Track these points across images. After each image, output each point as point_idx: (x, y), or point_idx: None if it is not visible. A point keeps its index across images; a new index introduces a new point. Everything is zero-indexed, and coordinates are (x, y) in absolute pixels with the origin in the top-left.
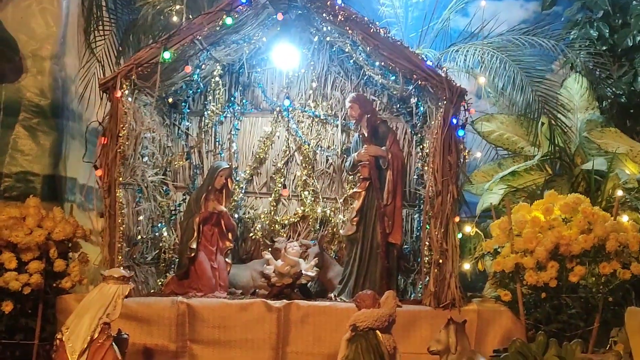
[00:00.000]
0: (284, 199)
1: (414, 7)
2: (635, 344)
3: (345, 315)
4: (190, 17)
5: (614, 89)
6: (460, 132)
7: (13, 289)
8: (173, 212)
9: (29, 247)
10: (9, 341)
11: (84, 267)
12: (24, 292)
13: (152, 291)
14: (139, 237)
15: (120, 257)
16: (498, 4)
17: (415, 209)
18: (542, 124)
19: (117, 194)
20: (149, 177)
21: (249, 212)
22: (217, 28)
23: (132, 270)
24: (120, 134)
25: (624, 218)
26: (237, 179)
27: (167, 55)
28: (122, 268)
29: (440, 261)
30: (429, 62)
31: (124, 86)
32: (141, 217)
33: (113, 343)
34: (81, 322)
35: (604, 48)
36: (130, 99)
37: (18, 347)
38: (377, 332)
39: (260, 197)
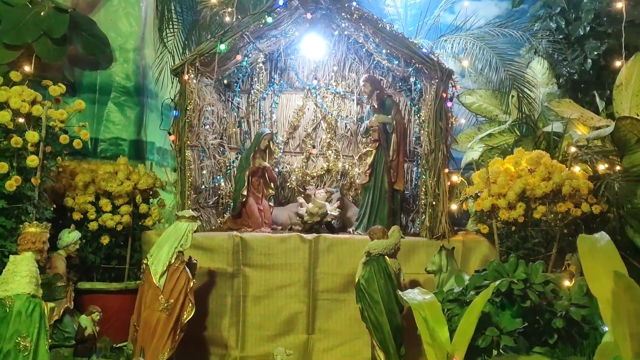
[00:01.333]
0: (313, 157)
1: (411, 6)
2: (586, 265)
3: (360, 245)
4: (239, 17)
5: (568, 69)
6: (449, 104)
7: (109, 226)
8: (228, 167)
9: (120, 194)
10: (107, 266)
11: (161, 210)
12: (117, 229)
13: (213, 228)
14: (203, 186)
15: (189, 202)
16: (477, 3)
17: (414, 163)
18: (512, 96)
19: (186, 154)
20: (210, 140)
21: (286, 167)
22: (261, 25)
23: (199, 211)
24: (188, 108)
25: (576, 169)
26: (277, 141)
27: (222, 47)
28: (191, 209)
29: (434, 203)
30: (424, 50)
31: (190, 71)
32: (204, 172)
33: (186, 267)
34: (161, 251)
35: (561, 37)
36: (194, 81)
37: (114, 270)
38: (386, 257)
39: (295, 155)
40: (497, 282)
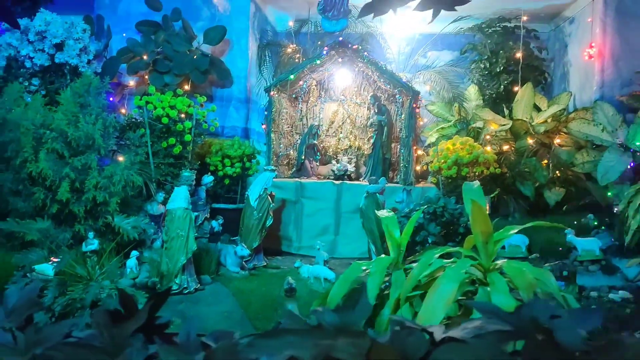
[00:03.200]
0: (342, 139)
1: (402, 53)
2: (466, 198)
3: (364, 187)
4: (303, 59)
5: (490, 91)
6: (417, 110)
7: (229, 174)
8: (294, 144)
9: (235, 157)
10: (228, 195)
11: (257, 165)
12: (233, 175)
13: (286, 177)
14: (280, 153)
15: (272, 162)
16: (439, 52)
17: (398, 143)
18: (456, 106)
19: (272, 136)
20: (285, 128)
21: (326, 143)
22: (314, 65)
23: (277, 167)
24: (273, 110)
25: (488, 148)
26: (322, 129)
27: (292, 77)
28: (271, 165)
29: (406, 165)
30: (403, 79)
31: (274, 90)
32: (281, 146)
33: (269, 196)
34: (255, 187)
35: (486, 72)
36: (276, 95)
37: (231, 198)
38: (377, 194)
39: (331, 137)
40: (425, 206)
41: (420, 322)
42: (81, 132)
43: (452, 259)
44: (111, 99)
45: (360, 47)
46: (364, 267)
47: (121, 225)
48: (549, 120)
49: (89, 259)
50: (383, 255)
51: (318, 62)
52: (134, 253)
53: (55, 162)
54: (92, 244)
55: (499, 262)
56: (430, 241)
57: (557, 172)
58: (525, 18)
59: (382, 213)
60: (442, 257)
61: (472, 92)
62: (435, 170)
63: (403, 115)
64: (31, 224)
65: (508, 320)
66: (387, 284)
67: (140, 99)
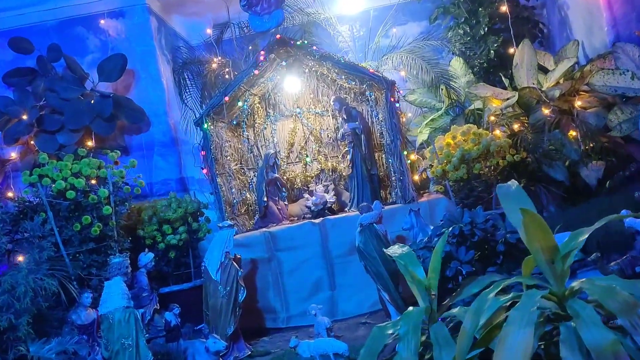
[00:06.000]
0: (309, 163)
1: (358, 38)
2: (505, 204)
3: (355, 219)
4: (235, 72)
5: (478, 60)
6: (397, 105)
7: (173, 244)
8: (250, 183)
9: (176, 219)
10: (177, 272)
11: (208, 224)
12: (179, 245)
13: (248, 229)
14: (234, 201)
15: (226, 214)
16: (404, 27)
17: (382, 151)
18: (442, 89)
19: (218, 180)
20: (233, 167)
21: (290, 174)
22: (251, 77)
23: (234, 220)
24: (211, 147)
25: (497, 132)
26: (280, 157)
27: (226, 99)
28: (228, 219)
29: (401, 178)
30: (371, 70)
31: (207, 120)
32: (233, 190)
33: (233, 262)
34: (213, 254)
35: (468, 38)
36: (212, 127)
37: (183, 275)
38: (374, 224)
39: (295, 164)
40: (450, 228)
41: None
42: None
43: (510, 295)
44: None
45: (305, 41)
46: (390, 331)
47: (41, 356)
48: (562, 81)
49: None
50: (411, 308)
51: (256, 72)
52: None
53: None
54: None
55: (575, 283)
56: (464, 272)
57: (590, 142)
58: None
59: (394, 250)
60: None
61: (456, 66)
62: (439, 175)
63: (381, 115)
64: None
65: None
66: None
67: (30, 174)
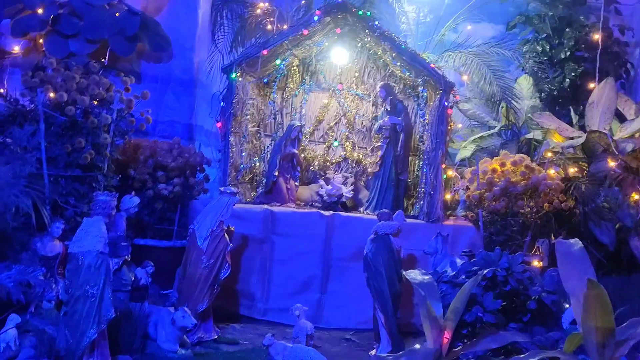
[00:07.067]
0: (333, 147)
1: (422, 24)
2: (562, 266)
3: (369, 223)
4: (278, 25)
5: (549, 86)
6: (449, 111)
7: (164, 194)
8: (263, 151)
9: (174, 169)
10: (159, 226)
11: (206, 183)
12: (169, 196)
13: (247, 200)
14: (242, 166)
15: (229, 178)
16: (477, 25)
17: (417, 157)
18: (502, 106)
19: (230, 139)
20: (249, 128)
21: (310, 153)
22: (297, 36)
23: (236, 186)
24: (233, 101)
25: (551, 171)
26: (304, 132)
27: (265, 52)
28: (231, 185)
29: (432, 192)
30: (431, 65)
31: (237, 70)
32: (243, 154)
33: (225, 233)
34: (205, 219)
35: (545, 58)
36: (240, 78)
37: (164, 231)
38: (390, 236)
39: (318, 144)
40: (486, 270)
41: None
42: None
43: None
44: None
45: (368, 13)
46: None
47: None
48: (638, 135)
49: None
50: (417, 346)
51: (305, 31)
52: (12, 319)
53: None
54: None
55: None
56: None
57: None
58: None
59: (414, 275)
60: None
61: (523, 85)
62: (474, 201)
63: (428, 117)
64: None
65: None
66: None
67: (32, 76)
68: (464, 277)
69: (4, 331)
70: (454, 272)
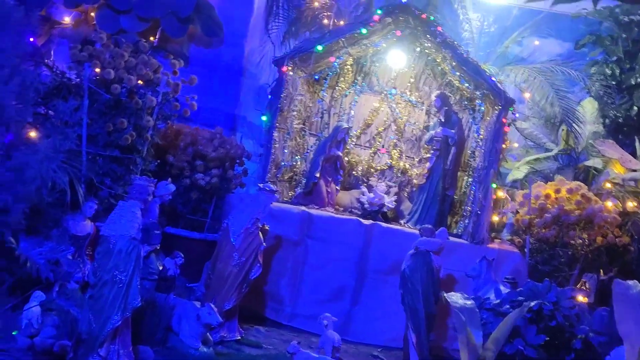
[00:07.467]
0: (379, 153)
1: (485, 34)
2: (618, 307)
3: (409, 237)
4: (335, 21)
5: (615, 112)
6: (506, 129)
7: (200, 184)
8: (306, 150)
9: (214, 159)
10: (192, 217)
11: (244, 177)
12: (206, 187)
13: (285, 199)
14: (283, 163)
15: (269, 175)
16: (543, 40)
17: (466, 173)
18: (562, 129)
19: (274, 134)
20: (295, 124)
21: (354, 157)
22: (355, 34)
23: (275, 184)
24: (282, 95)
25: (609, 203)
26: (351, 134)
27: (320, 48)
28: (270, 183)
29: (479, 212)
30: (493, 78)
31: (289, 64)
32: (286, 151)
33: (259, 232)
34: (241, 216)
35: (613, 82)
36: (291, 73)
37: (197, 222)
38: (431, 253)
39: (364, 149)
40: (533, 303)
41: None
42: None
43: None
44: (32, 39)
45: (432, 17)
46: None
47: (29, 256)
48: None
49: None
50: None
51: (364, 31)
52: (37, 296)
53: None
54: None
55: None
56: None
57: None
58: None
59: (455, 299)
60: None
61: (587, 109)
62: (523, 226)
63: (482, 133)
64: None
65: None
66: None
67: (81, 50)
68: (508, 306)
69: (28, 308)
70: (498, 300)
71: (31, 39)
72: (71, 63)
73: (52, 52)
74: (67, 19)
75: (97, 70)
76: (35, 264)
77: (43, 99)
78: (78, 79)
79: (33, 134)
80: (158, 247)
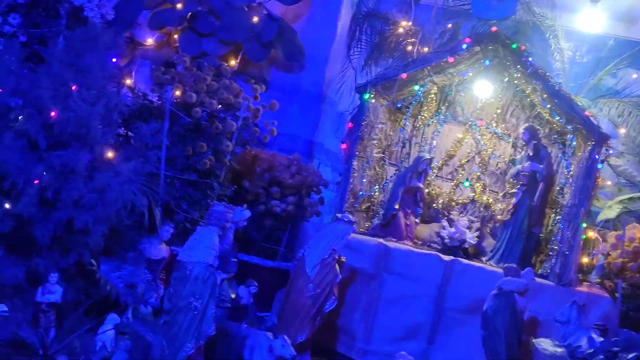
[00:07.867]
0: (462, 186)
1: (577, 65)
2: None
3: (491, 275)
4: (419, 48)
5: None
6: (599, 166)
7: (276, 211)
8: (385, 180)
9: (291, 186)
10: (265, 244)
11: (320, 205)
12: (282, 214)
13: (361, 231)
14: (361, 192)
15: (346, 204)
16: None
17: (554, 210)
18: None
19: (353, 163)
20: (374, 153)
21: (435, 189)
22: (441, 63)
23: (352, 214)
24: (362, 123)
25: None
26: (432, 166)
27: (404, 76)
28: (347, 213)
29: (567, 252)
30: (587, 112)
31: (372, 91)
32: (364, 180)
33: (336, 263)
34: (318, 246)
35: None
36: (373, 100)
37: (269, 250)
38: (515, 294)
39: (445, 181)
40: (631, 355)
41: None
42: (72, 112)
43: None
44: (114, 59)
45: (523, 47)
46: None
47: (109, 279)
48: None
49: (42, 316)
50: None
51: (450, 59)
52: (111, 319)
53: (24, 154)
54: (53, 292)
55: None
56: None
57: None
58: None
59: (545, 345)
60: None
61: None
62: (615, 270)
63: (573, 170)
64: None
65: None
66: None
67: (163, 72)
68: (602, 357)
69: (104, 331)
70: (592, 350)
71: (114, 60)
72: (153, 85)
73: (133, 74)
74: (149, 41)
75: (178, 93)
76: (114, 287)
77: (124, 121)
78: (159, 101)
79: (114, 155)
80: (233, 275)
